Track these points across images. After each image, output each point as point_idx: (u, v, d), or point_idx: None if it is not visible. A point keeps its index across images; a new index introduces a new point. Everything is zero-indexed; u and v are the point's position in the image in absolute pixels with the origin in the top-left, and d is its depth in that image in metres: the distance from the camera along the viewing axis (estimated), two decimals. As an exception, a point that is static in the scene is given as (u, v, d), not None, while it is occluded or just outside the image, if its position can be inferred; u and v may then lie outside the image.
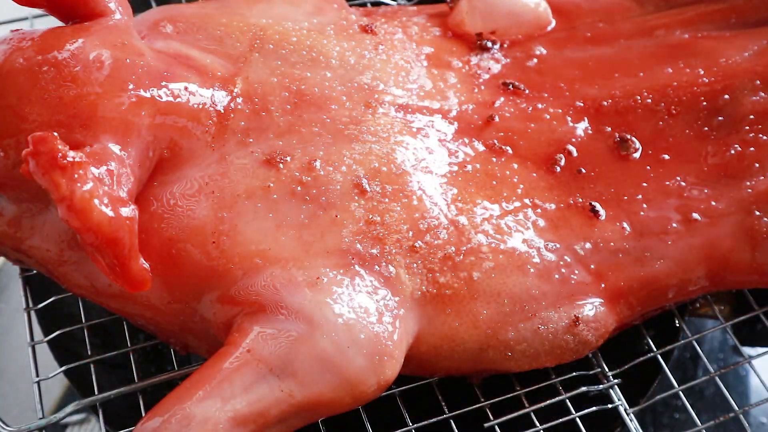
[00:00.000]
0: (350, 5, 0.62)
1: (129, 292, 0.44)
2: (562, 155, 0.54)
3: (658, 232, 0.51)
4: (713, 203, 0.52)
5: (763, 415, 0.70)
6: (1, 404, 0.71)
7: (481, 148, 0.53)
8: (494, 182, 0.51)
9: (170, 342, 0.50)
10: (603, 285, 0.50)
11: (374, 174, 0.48)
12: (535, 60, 0.59)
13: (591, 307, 0.49)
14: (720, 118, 0.55)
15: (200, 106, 0.48)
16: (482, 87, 0.56)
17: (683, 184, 0.53)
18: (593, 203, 0.52)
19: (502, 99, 0.56)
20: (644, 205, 0.52)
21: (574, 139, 0.54)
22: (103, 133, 0.44)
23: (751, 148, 0.54)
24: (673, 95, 0.56)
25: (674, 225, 0.52)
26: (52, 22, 0.49)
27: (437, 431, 0.50)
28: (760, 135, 0.54)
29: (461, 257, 0.47)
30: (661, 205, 0.52)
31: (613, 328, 0.51)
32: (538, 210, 0.51)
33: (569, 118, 0.55)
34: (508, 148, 0.53)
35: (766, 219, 0.51)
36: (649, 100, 0.56)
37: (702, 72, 0.56)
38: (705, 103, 0.55)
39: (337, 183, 0.48)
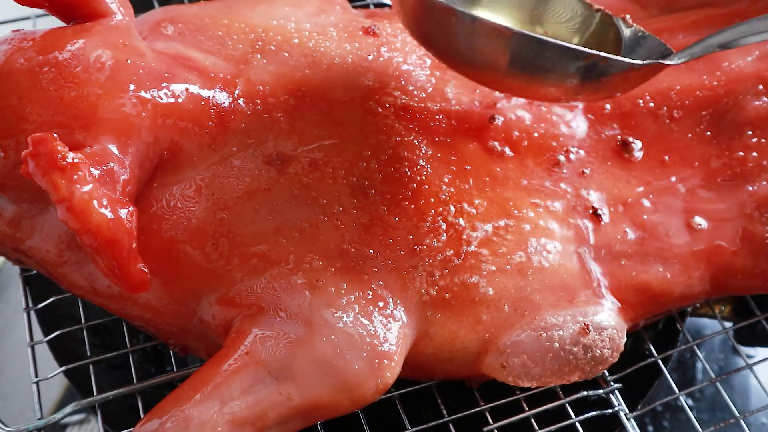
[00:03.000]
0: (353, 6, 0.62)
1: (128, 294, 0.44)
2: (564, 157, 0.53)
3: (661, 237, 0.51)
4: (715, 208, 0.52)
5: (763, 416, 0.70)
6: (0, 404, 0.71)
7: (481, 149, 0.53)
8: (495, 184, 0.51)
9: (169, 343, 0.50)
10: (607, 290, 0.50)
11: (374, 176, 0.48)
12: (537, 62, 0.59)
13: (602, 313, 0.48)
14: (723, 122, 0.55)
15: (201, 108, 0.48)
16: (484, 88, 0.56)
17: (686, 188, 0.53)
18: (596, 206, 0.52)
19: (505, 100, 0.55)
20: (647, 209, 0.52)
21: (576, 141, 0.54)
22: (103, 134, 0.44)
23: (754, 153, 0.54)
24: (676, 99, 0.55)
25: (677, 229, 0.52)
26: (55, 21, 0.49)
27: (436, 435, 0.50)
28: (763, 139, 0.54)
29: (461, 260, 0.47)
30: (663, 209, 0.52)
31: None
32: (540, 212, 0.51)
33: (571, 120, 0.55)
34: (509, 149, 0.53)
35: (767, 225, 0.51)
36: (652, 104, 0.55)
37: (705, 76, 0.56)
38: (708, 108, 0.55)
39: (337, 185, 0.47)
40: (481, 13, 0.53)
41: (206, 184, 0.46)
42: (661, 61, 0.47)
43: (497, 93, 0.56)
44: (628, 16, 0.52)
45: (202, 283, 0.45)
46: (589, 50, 0.44)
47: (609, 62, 0.45)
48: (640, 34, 0.51)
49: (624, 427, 0.51)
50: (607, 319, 0.48)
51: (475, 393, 0.51)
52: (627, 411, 0.51)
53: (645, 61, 0.46)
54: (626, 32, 0.51)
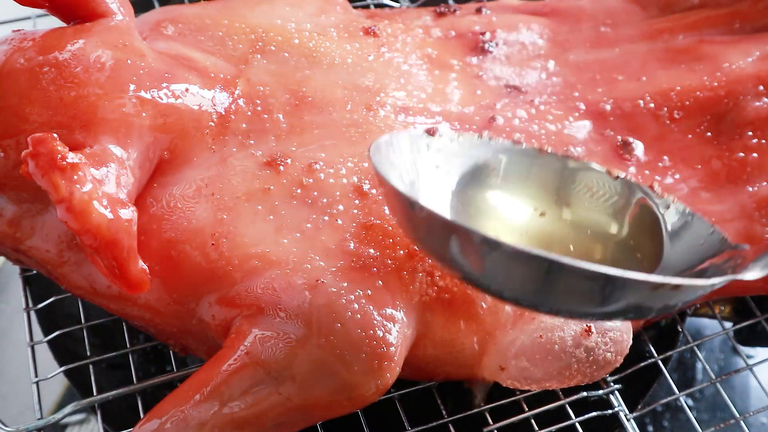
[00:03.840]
0: (353, 7, 0.62)
1: (128, 294, 0.44)
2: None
3: (662, 238, 0.51)
4: (716, 209, 0.52)
5: (764, 416, 0.70)
6: (0, 404, 0.71)
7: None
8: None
9: (169, 343, 0.50)
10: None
11: (375, 177, 0.48)
12: (538, 62, 0.58)
13: None
14: (723, 123, 0.55)
15: (201, 108, 0.48)
16: (484, 88, 0.56)
17: (686, 189, 0.53)
18: (596, 207, 0.51)
19: (504, 101, 0.55)
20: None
21: (576, 141, 0.54)
22: (103, 134, 0.44)
23: (754, 154, 0.53)
24: (677, 100, 0.55)
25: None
26: (55, 22, 0.49)
27: (436, 435, 0.50)
28: (763, 140, 0.54)
29: (461, 261, 0.47)
30: (663, 210, 0.52)
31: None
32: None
33: (572, 121, 0.55)
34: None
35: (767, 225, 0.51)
36: (652, 105, 0.55)
37: (705, 77, 0.56)
38: (708, 108, 0.55)
39: (337, 185, 0.47)
40: (492, 193, 0.46)
41: (206, 184, 0.46)
42: (738, 277, 0.37)
43: (498, 93, 0.56)
44: (657, 187, 0.44)
45: (201, 283, 0.45)
46: (659, 277, 0.33)
47: (681, 288, 0.34)
48: (682, 211, 0.43)
49: (624, 428, 0.51)
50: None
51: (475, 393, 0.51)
52: (627, 412, 0.51)
53: (722, 280, 0.36)
54: (667, 211, 0.43)
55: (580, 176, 0.46)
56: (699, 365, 0.72)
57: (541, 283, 0.34)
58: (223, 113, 0.49)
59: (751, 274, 0.37)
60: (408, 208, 0.39)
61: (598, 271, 0.32)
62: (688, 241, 0.42)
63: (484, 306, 0.47)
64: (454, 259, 0.37)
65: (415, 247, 0.44)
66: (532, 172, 0.46)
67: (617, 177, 0.45)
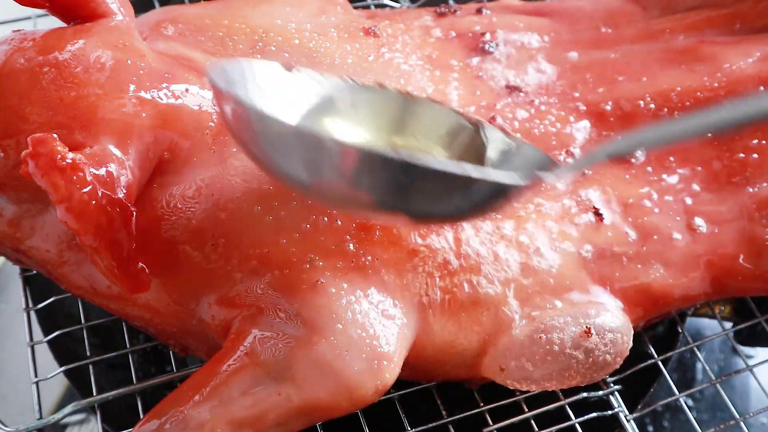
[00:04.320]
0: (354, 7, 0.62)
1: (128, 294, 0.44)
2: (564, 157, 0.53)
3: (662, 238, 0.51)
4: (716, 209, 0.52)
5: (764, 417, 0.70)
6: (0, 404, 0.71)
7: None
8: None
9: (169, 344, 0.50)
10: (609, 291, 0.50)
11: (374, 177, 0.48)
12: (538, 63, 0.58)
13: (605, 315, 0.48)
14: (723, 124, 0.55)
15: (201, 108, 0.48)
16: (484, 89, 0.56)
17: (686, 190, 0.53)
18: (596, 206, 0.52)
19: (505, 101, 0.55)
20: (647, 210, 0.52)
21: (576, 142, 0.54)
22: (103, 134, 0.44)
23: (754, 155, 0.54)
24: (677, 100, 0.55)
25: (677, 231, 0.52)
26: (55, 22, 0.49)
27: (436, 436, 0.50)
28: (763, 141, 0.54)
29: (460, 261, 0.47)
30: (664, 211, 0.52)
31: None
32: (541, 212, 0.51)
33: (572, 121, 0.55)
34: (509, 150, 0.53)
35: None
36: (653, 105, 0.55)
37: (706, 77, 0.56)
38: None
39: (337, 186, 0.47)
40: (341, 125, 0.47)
41: (206, 184, 0.46)
42: (538, 176, 0.40)
43: (498, 93, 0.56)
44: (499, 121, 0.48)
45: (201, 283, 0.45)
46: (454, 168, 0.36)
47: (479, 183, 0.37)
48: (514, 143, 0.46)
49: (624, 429, 0.51)
50: (611, 321, 0.48)
51: (474, 394, 0.51)
52: (627, 412, 0.51)
53: (523, 182, 0.39)
54: (496, 143, 0.46)
55: (419, 109, 0.48)
56: (699, 366, 0.72)
57: (380, 179, 0.37)
58: (223, 113, 0.49)
59: (549, 176, 0.41)
60: (255, 121, 0.38)
61: (394, 157, 0.35)
62: (516, 164, 0.45)
63: (484, 307, 0.47)
64: (304, 170, 0.38)
65: (268, 173, 0.43)
66: (378, 107, 0.48)
67: (452, 110, 0.48)
